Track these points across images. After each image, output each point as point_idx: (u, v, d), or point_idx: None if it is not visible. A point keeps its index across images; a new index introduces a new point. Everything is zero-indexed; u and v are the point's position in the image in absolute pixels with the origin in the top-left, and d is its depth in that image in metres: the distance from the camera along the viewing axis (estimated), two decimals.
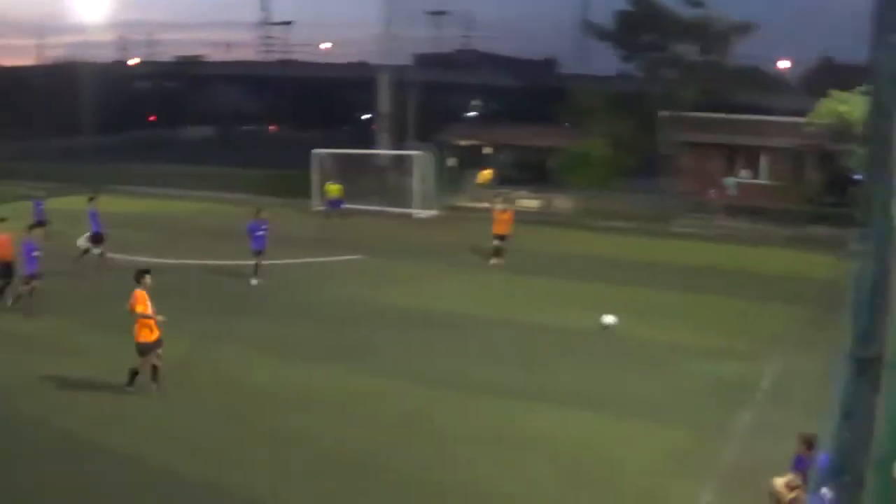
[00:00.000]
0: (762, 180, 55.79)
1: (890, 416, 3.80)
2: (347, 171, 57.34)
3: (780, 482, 13.84)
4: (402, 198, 54.71)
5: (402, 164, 58.69)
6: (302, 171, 58.58)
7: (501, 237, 36.80)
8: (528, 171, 65.77)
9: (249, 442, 18.03)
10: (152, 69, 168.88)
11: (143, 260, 35.54)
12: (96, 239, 37.21)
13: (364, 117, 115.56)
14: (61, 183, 69.53)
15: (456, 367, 22.73)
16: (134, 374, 20.73)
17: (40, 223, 35.76)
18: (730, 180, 55.05)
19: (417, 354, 24.17)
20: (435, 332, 26.57)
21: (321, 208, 53.12)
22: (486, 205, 57.48)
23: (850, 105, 44.12)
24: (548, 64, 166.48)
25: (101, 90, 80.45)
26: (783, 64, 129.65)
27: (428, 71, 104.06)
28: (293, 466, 16.65)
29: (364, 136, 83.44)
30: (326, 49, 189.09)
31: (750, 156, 57.35)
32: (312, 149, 58.35)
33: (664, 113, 59.46)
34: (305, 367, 23.11)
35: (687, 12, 58.00)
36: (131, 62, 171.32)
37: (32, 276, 28.72)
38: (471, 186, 63.44)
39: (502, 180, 63.56)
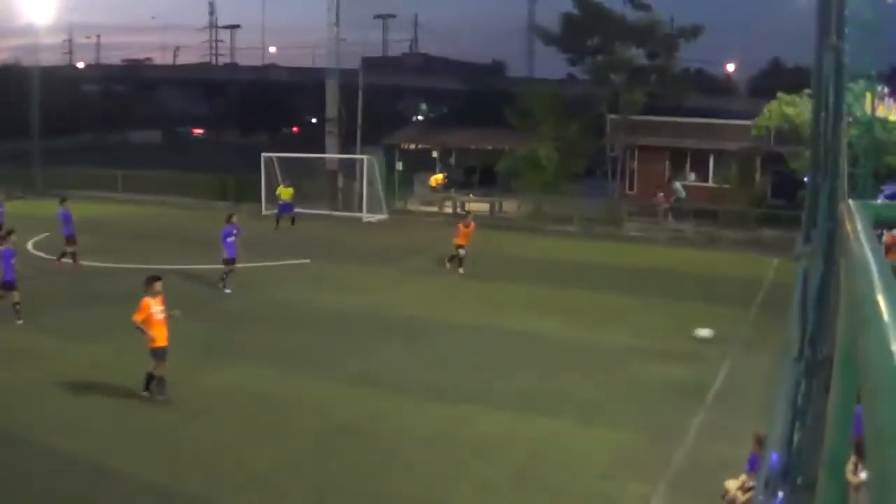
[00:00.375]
0: (710, 183, 56.10)
1: (839, 416, 3.82)
2: (296, 175, 57.34)
3: (732, 484, 13.89)
4: (351, 202, 54.73)
5: (350, 167, 58.69)
6: (251, 175, 58.54)
7: (461, 247, 36.56)
8: (475, 175, 65.92)
9: (197, 447, 17.93)
10: (99, 73, 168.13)
11: (93, 264, 35.49)
12: (69, 241, 37.53)
13: (312, 121, 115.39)
14: (8, 187, 69.12)
15: (406, 371, 22.71)
16: (150, 378, 20.56)
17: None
18: (677, 184, 55.35)
19: (367, 359, 24.12)
20: (384, 337, 26.56)
21: (273, 212, 52.97)
22: (434, 209, 57.83)
23: (797, 107, 44.50)
24: (495, 67, 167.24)
25: (49, 93, 79.75)
26: (731, 67, 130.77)
27: (376, 74, 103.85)
28: (238, 473, 16.56)
29: (312, 139, 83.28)
30: (273, 53, 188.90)
31: (698, 159, 57.71)
32: (261, 153, 58.30)
33: (612, 116, 59.74)
34: (252, 371, 22.98)
35: (633, 15, 58.29)
36: (79, 65, 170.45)
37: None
38: (420, 190, 63.56)
39: (450, 184, 63.69)
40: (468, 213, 39.17)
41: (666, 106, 63.63)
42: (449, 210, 57.40)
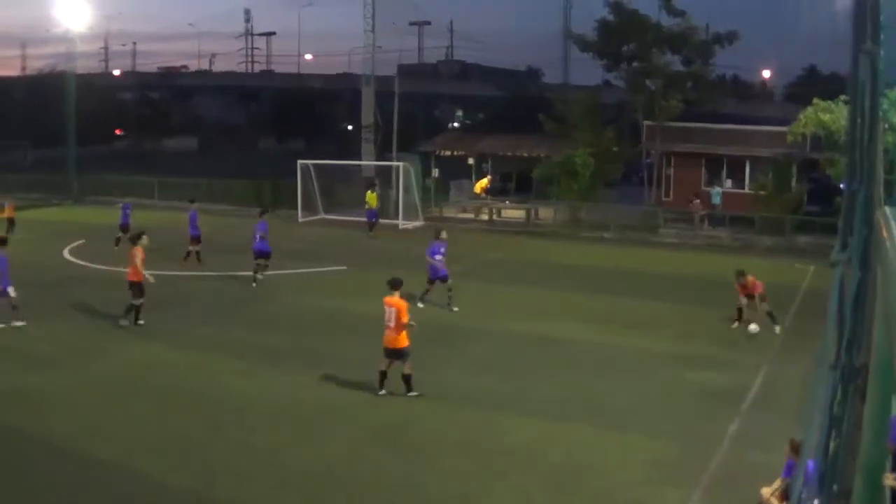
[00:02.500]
0: (746, 190, 55.83)
1: (876, 423, 3.81)
2: (332, 181, 57.51)
3: (767, 491, 13.84)
4: (387, 209, 54.73)
5: (386, 174, 58.73)
6: (287, 182, 58.70)
7: None
8: (511, 182, 65.84)
9: (230, 452, 17.96)
10: (135, 80, 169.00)
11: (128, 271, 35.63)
12: (194, 241, 39.93)
13: (348, 128, 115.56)
14: (45, 193, 69.67)
15: (440, 378, 22.66)
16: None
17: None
18: (714, 190, 55.11)
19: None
20: (418, 343, 26.42)
21: (309, 218, 53.06)
22: (471, 216, 57.77)
23: (833, 114, 44.24)
24: (531, 74, 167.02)
25: (85, 101, 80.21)
26: (766, 73, 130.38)
27: (411, 81, 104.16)
28: (274, 478, 16.59)
29: (348, 146, 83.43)
30: (309, 60, 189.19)
31: (734, 165, 57.43)
32: (297, 159, 58.43)
33: (648, 123, 59.58)
34: (287, 377, 23.03)
35: (668, 22, 58.11)
36: (115, 73, 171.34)
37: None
38: (456, 197, 63.48)
39: (495, 190, 63.65)
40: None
41: (701, 112, 63.43)
42: (485, 217, 57.35)
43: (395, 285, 21.85)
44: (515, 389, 21.82)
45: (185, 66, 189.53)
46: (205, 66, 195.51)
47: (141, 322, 28.36)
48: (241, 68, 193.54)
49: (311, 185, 56.79)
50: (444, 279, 30.78)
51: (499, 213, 57.83)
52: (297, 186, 56.65)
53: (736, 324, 28.45)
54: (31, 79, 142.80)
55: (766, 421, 19.30)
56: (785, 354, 25.02)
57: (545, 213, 56.82)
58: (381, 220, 52.27)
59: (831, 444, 4.71)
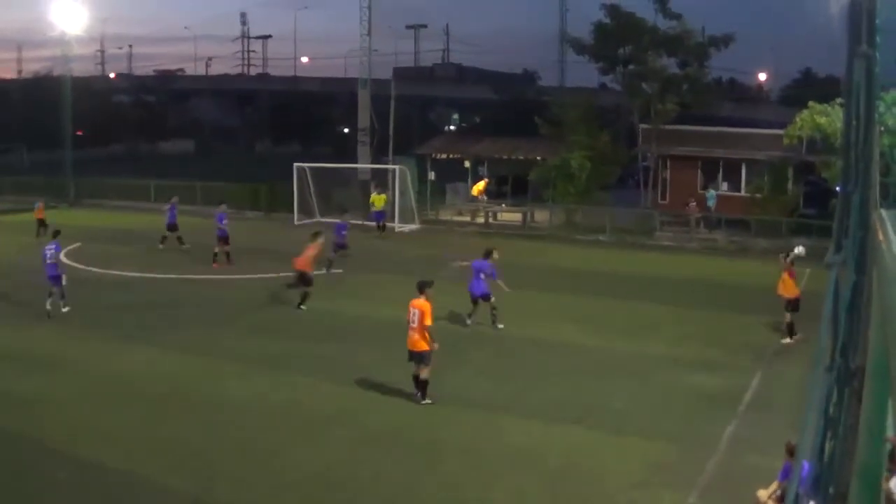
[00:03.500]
0: (742, 192, 55.83)
1: (872, 426, 3.82)
2: (328, 184, 57.53)
3: (764, 493, 13.85)
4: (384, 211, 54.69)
5: (382, 178, 58.74)
6: (283, 185, 58.75)
7: None
8: (507, 185, 65.83)
9: (229, 455, 17.98)
10: (132, 83, 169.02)
11: (125, 274, 35.68)
12: (222, 241, 40.43)
13: (344, 131, 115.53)
14: (41, 196, 69.58)
15: (438, 381, 22.67)
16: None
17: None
18: (710, 193, 55.09)
19: (399, 368, 24.08)
20: None
21: (306, 221, 53.13)
22: (467, 218, 57.78)
23: (829, 117, 44.26)
24: (527, 77, 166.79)
25: (81, 104, 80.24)
26: (762, 76, 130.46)
27: (407, 84, 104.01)
28: (273, 481, 16.60)
29: (344, 149, 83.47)
30: (305, 63, 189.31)
31: (730, 168, 57.42)
32: (293, 162, 58.48)
33: (644, 126, 59.60)
34: (285, 380, 23.08)
35: (664, 25, 58.10)
36: (111, 76, 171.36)
37: None
38: (452, 200, 63.46)
39: (485, 193, 63.60)
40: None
41: (698, 115, 63.41)
42: (481, 220, 57.36)
43: (422, 287, 21.87)
44: (513, 392, 21.85)
45: (181, 70, 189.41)
46: (201, 69, 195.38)
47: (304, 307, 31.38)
48: (238, 71, 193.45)
49: (307, 188, 56.80)
50: (485, 298, 29.89)
51: (495, 216, 57.83)
52: (292, 189, 56.66)
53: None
54: (28, 82, 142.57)
55: (763, 423, 19.33)
56: (781, 357, 25.09)
57: (541, 216, 56.82)
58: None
59: (827, 446, 4.73)
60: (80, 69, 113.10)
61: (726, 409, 20.70)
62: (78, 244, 42.63)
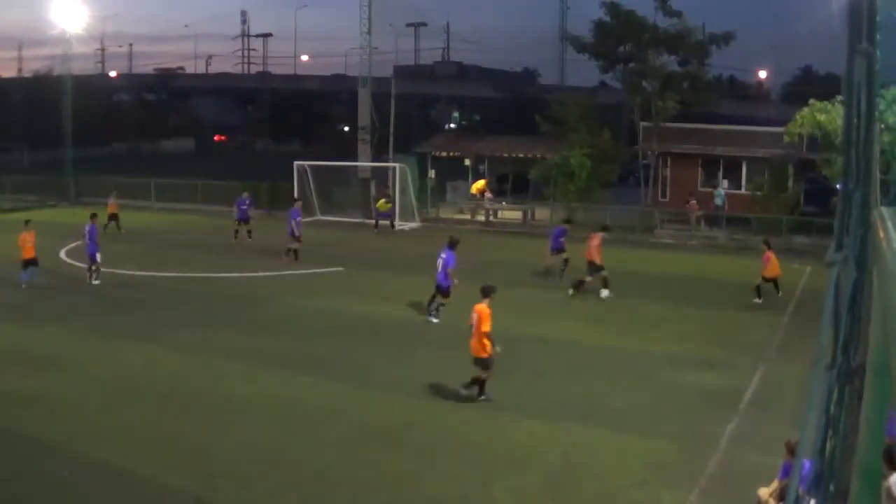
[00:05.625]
0: (743, 190, 55.82)
1: (873, 423, 3.81)
2: (328, 183, 57.56)
3: (765, 492, 13.84)
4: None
5: (382, 176, 58.78)
6: (284, 183, 58.77)
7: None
8: (508, 183, 65.82)
9: (230, 454, 17.96)
10: (132, 82, 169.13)
11: (125, 273, 35.67)
12: (293, 238, 41.22)
13: (345, 129, 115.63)
14: (42, 195, 69.68)
15: (439, 379, 22.66)
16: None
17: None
18: (719, 192, 54.97)
19: (399, 367, 24.11)
20: (416, 345, 26.55)
21: (307, 219, 53.25)
22: (467, 216, 57.77)
23: (830, 114, 44.24)
24: (527, 75, 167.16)
25: (82, 103, 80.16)
26: (763, 74, 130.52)
27: (408, 82, 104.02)
28: (274, 479, 16.59)
29: (345, 148, 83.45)
30: (306, 61, 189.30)
31: (730, 166, 57.41)
32: (293, 161, 58.50)
33: (644, 124, 59.56)
34: (285, 379, 23.04)
35: (665, 22, 58.03)
36: (111, 75, 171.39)
37: None
38: (452, 198, 63.46)
39: (484, 192, 63.58)
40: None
41: (698, 113, 63.36)
42: (481, 218, 57.36)
43: (485, 292, 21.65)
44: (513, 391, 21.80)
45: (181, 68, 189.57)
46: (201, 67, 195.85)
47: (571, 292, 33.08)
48: (238, 70, 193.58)
49: (308, 187, 56.81)
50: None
51: (495, 215, 57.84)
52: (293, 187, 56.66)
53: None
54: (28, 80, 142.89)
55: (764, 422, 19.33)
56: (782, 355, 25.04)
57: (542, 214, 56.84)
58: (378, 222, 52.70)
59: (828, 445, 4.71)
60: (81, 68, 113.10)
61: (727, 407, 20.67)
62: (78, 242, 42.57)
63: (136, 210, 61.20)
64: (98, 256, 34.98)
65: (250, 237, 46.72)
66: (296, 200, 45.47)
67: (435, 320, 29.29)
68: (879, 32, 4.88)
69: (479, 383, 20.98)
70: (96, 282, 34.96)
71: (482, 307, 21.13)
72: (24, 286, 33.45)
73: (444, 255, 29.89)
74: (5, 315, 29.84)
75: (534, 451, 18.18)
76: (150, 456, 17.80)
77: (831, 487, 4.61)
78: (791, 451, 12.99)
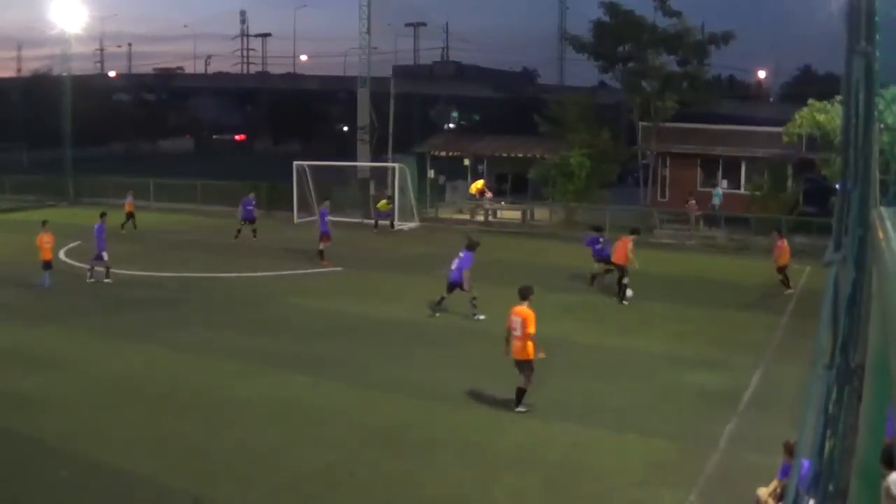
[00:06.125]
0: (742, 190, 55.85)
1: (872, 423, 3.82)
2: (328, 183, 57.53)
3: (764, 492, 13.84)
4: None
5: (382, 176, 58.84)
6: (283, 183, 58.78)
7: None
8: (507, 183, 65.82)
9: (229, 455, 17.96)
10: (131, 82, 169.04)
11: (125, 273, 35.67)
12: (324, 238, 41.52)
13: (344, 129, 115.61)
14: (41, 195, 69.68)
15: (438, 379, 22.68)
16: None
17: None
18: (717, 191, 55.01)
19: (399, 366, 24.12)
20: (416, 344, 26.55)
21: (305, 219, 53.27)
22: (466, 216, 57.77)
23: (829, 114, 44.25)
24: (527, 75, 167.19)
25: (81, 103, 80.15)
26: (762, 74, 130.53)
27: (407, 82, 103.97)
28: (273, 480, 16.59)
29: (344, 148, 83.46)
30: (305, 61, 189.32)
31: (730, 166, 57.44)
32: (292, 161, 58.51)
33: (644, 123, 59.58)
34: (285, 379, 23.03)
35: (664, 22, 58.03)
36: (110, 74, 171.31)
37: None
38: (451, 198, 63.44)
39: (483, 192, 63.59)
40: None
41: (697, 113, 63.38)
42: (481, 218, 57.36)
43: (524, 294, 21.34)
44: (512, 390, 21.79)
45: (180, 68, 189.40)
46: (200, 67, 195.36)
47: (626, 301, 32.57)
48: (237, 70, 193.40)
49: (307, 187, 56.78)
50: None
51: (495, 215, 57.83)
52: (292, 187, 56.68)
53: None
54: (27, 80, 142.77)
55: (763, 421, 19.32)
56: (781, 355, 25.04)
57: (541, 214, 56.88)
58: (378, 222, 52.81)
59: (827, 445, 4.72)
60: (80, 68, 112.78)
61: (726, 407, 20.68)
62: (78, 242, 42.55)
63: (135, 210, 61.19)
64: (105, 255, 35.22)
65: (255, 237, 46.81)
66: (324, 200, 46.28)
67: (481, 316, 29.29)
68: (878, 32, 4.89)
69: (520, 394, 20.61)
70: (108, 280, 35.37)
71: (525, 309, 20.81)
72: (46, 289, 33.59)
73: (461, 255, 30.14)
74: (5, 315, 29.85)
75: (534, 450, 18.19)
76: (149, 456, 17.80)
77: (830, 487, 4.61)
78: (789, 451, 12.99)
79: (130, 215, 52.24)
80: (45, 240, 34.35)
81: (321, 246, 40.99)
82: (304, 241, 44.96)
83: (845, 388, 4.66)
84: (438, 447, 18.38)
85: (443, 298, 30.19)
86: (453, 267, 30.01)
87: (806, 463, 5.07)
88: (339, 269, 39.06)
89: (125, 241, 46.05)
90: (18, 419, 20.04)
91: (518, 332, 20.57)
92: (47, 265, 34.32)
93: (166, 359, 24.79)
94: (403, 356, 25.21)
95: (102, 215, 36.55)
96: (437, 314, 29.76)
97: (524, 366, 20.50)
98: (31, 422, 19.85)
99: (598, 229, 39.00)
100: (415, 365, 24.27)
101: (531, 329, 20.49)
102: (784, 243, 34.43)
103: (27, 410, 20.62)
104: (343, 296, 33.54)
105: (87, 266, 35.64)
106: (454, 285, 29.97)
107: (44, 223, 35.54)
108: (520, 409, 20.47)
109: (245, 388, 22.20)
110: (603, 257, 35.26)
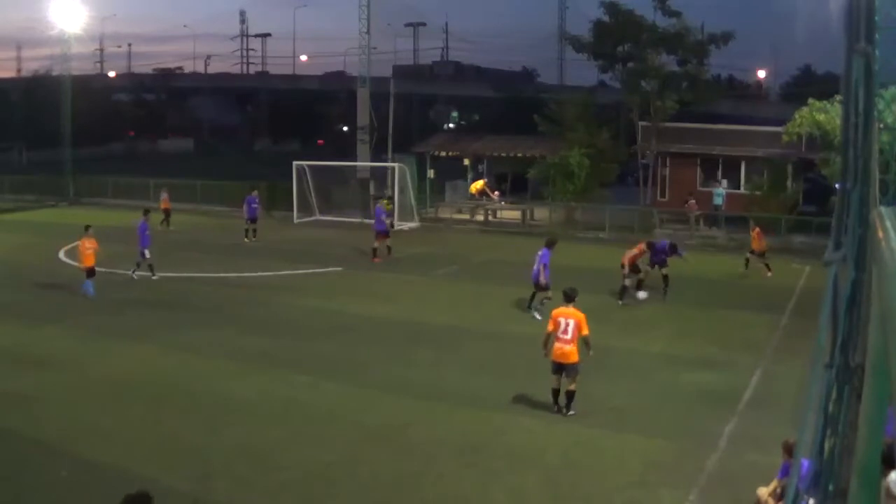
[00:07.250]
0: (742, 190, 55.86)
1: (872, 423, 3.81)
2: (327, 183, 57.57)
3: (764, 491, 13.84)
4: None
5: (381, 176, 58.86)
6: (283, 183, 58.78)
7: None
8: (506, 183, 65.79)
9: (227, 455, 17.95)
10: (131, 82, 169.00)
11: (125, 273, 35.63)
12: (381, 236, 41.99)
13: (343, 129, 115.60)
14: (40, 195, 69.69)
15: (437, 379, 22.70)
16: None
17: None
18: (717, 191, 54.97)
19: (398, 366, 24.12)
20: (415, 344, 26.54)
21: (304, 219, 53.32)
22: (466, 216, 57.76)
23: (828, 114, 44.24)
24: (526, 75, 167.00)
25: (80, 103, 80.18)
26: (762, 73, 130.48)
27: (407, 82, 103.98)
28: (272, 480, 16.59)
29: (344, 148, 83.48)
30: (305, 61, 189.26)
31: (729, 165, 57.44)
32: (292, 160, 58.52)
33: (643, 123, 59.59)
34: (284, 379, 23.03)
35: (664, 22, 58.06)
36: (110, 75, 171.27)
37: None
38: (451, 198, 63.41)
39: (482, 193, 63.60)
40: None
41: (697, 112, 63.45)
42: (480, 218, 57.34)
43: (572, 296, 21.10)
44: (512, 390, 21.79)
45: (180, 68, 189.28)
46: (200, 67, 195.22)
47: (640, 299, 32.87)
48: (237, 69, 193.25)
49: (307, 186, 56.83)
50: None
51: (494, 214, 57.81)
52: (292, 187, 56.70)
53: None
54: (27, 80, 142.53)
55: (763, 421, 19.31)
56: (781, 354, 25.04)
57: (541, 213, 56.87)
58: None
59: (827, 444, 4.72)
60: (80, 68, 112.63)
61: (726, 406, 20.68)
62: (77, 242, 42.55)
63: (134, 210, 61.12)
64: (147, 252, 35.76)
65: (255, 236, 46.76)
66: (379, 198, 47.57)
67: (539, 316, 29.06)
68: (877, 32, 4.89)
69: (570, 396, 20.36)
70: (154, 277, 35.96)
71: (576, 311, 20.55)
72: (91, 297, 32.60)
73: (539, 253, 30.42)
74: (5, 315, 29.84)
75: (533, 450, 18.18)
76: (148, 456, 17.79)
77: (830, 487, 4.61)
78: (789, 451, 12.98)
79: (167, 213, 52.96)
80: (88, 245, 33.19)
81: (376, 244, 41.49)
82: (304, 240, 45.05)
83: (845, 387, 4.66)
84: (437, 447, 18.37)
85: (533, 296, 30.50)
86: (535, 266, 30.35)
87: (806, 462, 5.08)
88: (339, 268, 39.05)
89: (125, 241, 45.97)
90: (18, 419, 20.03)
91: (569, 336, 20.27)
92: (90, 272, 33.06)
93: (166, 359, 24.77)
94: (404, 356, 25.20)
95: (146, 213, 37.47)
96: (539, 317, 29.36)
97: (572, 369, 20.23)
98: (31, 421, 19.85)
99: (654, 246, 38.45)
100: (415, 365, 24.27)
101: (586, 331, 20.36)
102: (757, 232, 38.14)
103: (27, 410, 20.61)
104: (343, 296, 33.53)
105: (136, 264, 36.12)
106: (534, 283, 30.26)
107: (87, 228, 34.10)
108: (571, 412, 20.22)
109: (245, 388, 22.20)
110: (657, 262, 34.97)
